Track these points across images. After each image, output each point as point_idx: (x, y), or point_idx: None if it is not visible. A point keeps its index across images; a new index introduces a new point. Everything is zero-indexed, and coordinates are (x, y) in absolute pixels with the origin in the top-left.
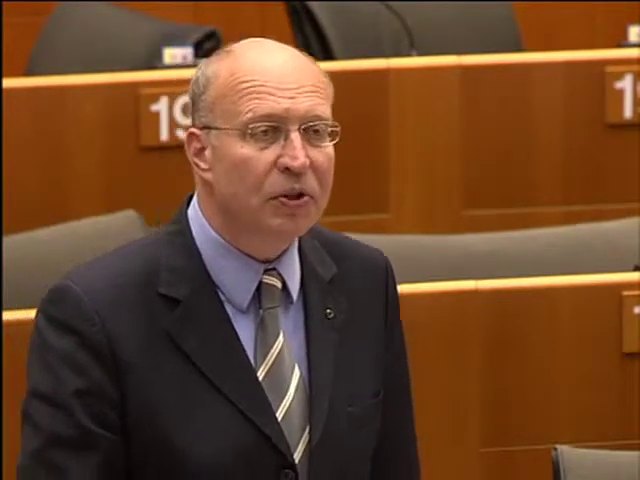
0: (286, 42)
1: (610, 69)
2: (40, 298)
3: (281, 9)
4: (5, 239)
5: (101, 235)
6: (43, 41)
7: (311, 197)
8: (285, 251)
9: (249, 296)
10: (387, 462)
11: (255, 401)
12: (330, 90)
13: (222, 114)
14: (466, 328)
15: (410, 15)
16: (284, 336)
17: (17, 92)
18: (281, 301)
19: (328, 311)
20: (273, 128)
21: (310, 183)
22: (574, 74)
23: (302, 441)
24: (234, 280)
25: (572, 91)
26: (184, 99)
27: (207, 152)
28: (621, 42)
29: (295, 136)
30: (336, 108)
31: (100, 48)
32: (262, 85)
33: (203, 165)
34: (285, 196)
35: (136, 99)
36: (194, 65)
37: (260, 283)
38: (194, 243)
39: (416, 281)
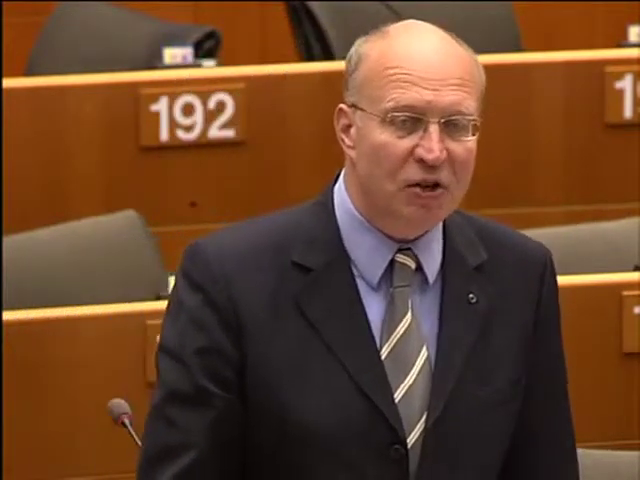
0: (286, 42)
1: (610, 69)
2: (40, 298)
3: (281, 9)
4: (5, 239)
5: (101, 235)
6: (43, 41)
7: (446, 189)
8: (425, 233)
9: (380, 272)
10: (535, 472)
11: (373, 376)
12: (480, 81)
13: (367, 97)
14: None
15: (410, 15)
16: (413, 315)
17: (17, 92)
18: (415, 282)
19: (471, 296)
20: (413, 119)
21: (446, 175)
22: (574, 74)
23: (421, 421)
24: (367, 256)
25: (572, 91)
26: (184, 99)
27: (353, 130)
28: (621, 42)
29: (434, 129)
30: (336, 108)
31: (100, 48)
32: (407, 74)
33: (348, 142)
34: (420, 186)
35: (136, 99)
36: (194, 65)
37: (393, 262)
38: (334, 216)
39: None
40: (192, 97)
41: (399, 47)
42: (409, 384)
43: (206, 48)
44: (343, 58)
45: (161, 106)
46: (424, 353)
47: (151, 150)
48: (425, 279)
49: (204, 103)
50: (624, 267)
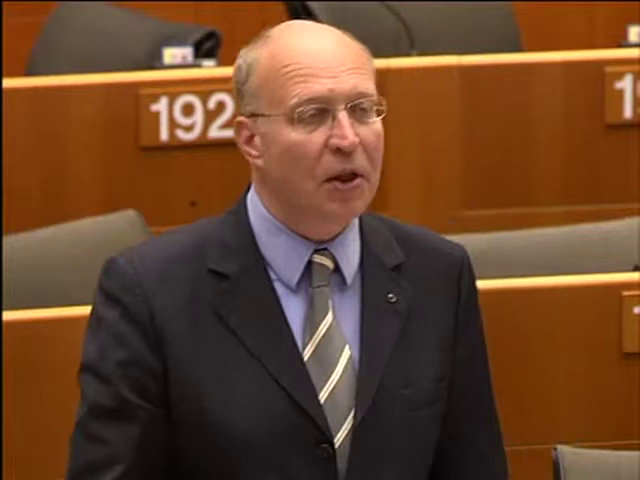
0: None
1: (610, 69)
2: (40, 298)
3: (281, 9)
4: (5, 239)
5: (101, 235)
6: (43, 41)
7: (363, 176)
8: (340, 233)
9: (298, 274)
10: (463, 468)
11: (296, 378)
12: (371, 66)
13: (267, 100)
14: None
15: (410, 15)
16: (335, 316)
17: (17, 92)
18: (333, 282)
19: (390, 296)
20: (320, 110)
21: (361, 162)
22: (574, 74)
23: (347, 420)
24: (284, 258)
25: (572, 91)
26: (184, 99)
27: (256, 139)
28: (621, 42)
29: (342, 115)
30: None
31: (100, 48)
32: (304, 67)
33: (254, 152)
34: (338, 179)
35: (136, 99)
36: (194, 65)
37: (310, 263)
38: (248, 221)
39: None
40: (192, 97)
41: (289, 44)
42: (333, 384)
43: (206, 48)
44: None
45: (161, 106)
46: (347, 352)
47: (151, 150)
48: (343, 280)
49: (204, 103)
50: (624, 267)
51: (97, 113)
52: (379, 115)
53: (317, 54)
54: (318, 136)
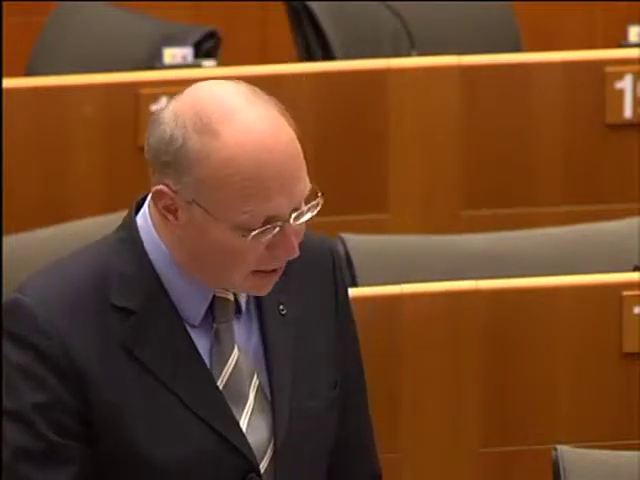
0: (286, 42)
1: (610, 69)
2: None
3: (281, 9)
4: (5, 239)
5: (101, 235)
6: (43, 41)
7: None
8: None
9: (202, 312)
10: (348, 471)
11: (215, 408)
12: (297, 144)
13: (213, 202)
14: (466, 328)
15: (410, 15)
16: (240, 347)
17: (17, 92)
18: (232, 313)
19: (281, 307)
20: (268, 224)
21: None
22: (574, 74)
23: (269, 446)
24: (186, 295)
25: (572, 91)
26: None
27: (182, 214)
28: (621, 42)
29: (289, 228)
30: (336, 108)
31: (100, 48)
32: (260, 187)
33: (174, 221)
34: (263, 270)
35: (136, 99)
36: (194, 65)
37: (213, 297)
38: (145, 253)
39: (416, 281)
40: None
41: (242, 153)
42: (249, 414)
43: (206, 48)
44: (343, 58)
45: (161, 106)
46: (255, 382)
47: None
48: (239, 307)
49: None
50: (624, 267)
51: (97, 113)
52: (314, 209)
53: (271, 170)
54: (262, 244)
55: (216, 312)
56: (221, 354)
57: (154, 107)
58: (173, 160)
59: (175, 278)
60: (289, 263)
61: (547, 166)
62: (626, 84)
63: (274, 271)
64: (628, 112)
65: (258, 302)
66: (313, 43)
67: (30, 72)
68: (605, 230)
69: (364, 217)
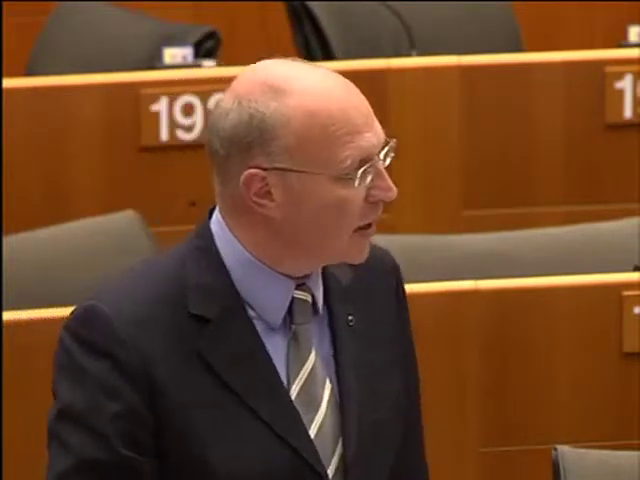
0: (286, 42)
1: (610, 69)
2: (40, 298)
3: (281, 9)
4: (5, 239)
5: (101, 235)
6: (43, 41)
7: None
8: None
9: (282, 313)
10: (399, 471)
11: (289, 421)
12: None
13: (309, 159)
14: (466, 328)
15: (410, 15)
16: (315, 351)
17: (17, 92)
18: (311, 315)
19: (350, 318)
20: (369, 165)
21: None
22: (574, 74)
23: (336, 455)
24: (265, 297)
25: (572, 91)
26: (184, 99)
27: (276, 191)
28: (621, 42)
29: (381, 165)
30: None
31: (100, 48)
32: (347, 126)
33: (269, 204)
34: (362, 227)
35: (136, 99)
36: (194, 65)
37: (292, 299)
38: (221, 261)
39: (416, 281)
40: (192, 97)
41: (321, 102)
42: (320, 420)
43: (206, 48)
44: (343, 58)
45: (161, 106)
46: (328, 386)
47: (151, 150)
48: (316, 310)
49: (204, 103)
50: (624, 267)
51: (97, 113)
52: (390, 157)
53: (352, 108)
54: (361, 190)
55: (294, 313)
56: (299, 356)
57: (154, 107)
58: (257, 136)
59: (254, 281)
60: (355, 275)
61: (547, 166)
62: (626, 84)
63: (370, 227)
64: (628, 112)
65: (328, 306)
66: (313, 43)
67: (30, 72)
68: (605, 230)
69: None
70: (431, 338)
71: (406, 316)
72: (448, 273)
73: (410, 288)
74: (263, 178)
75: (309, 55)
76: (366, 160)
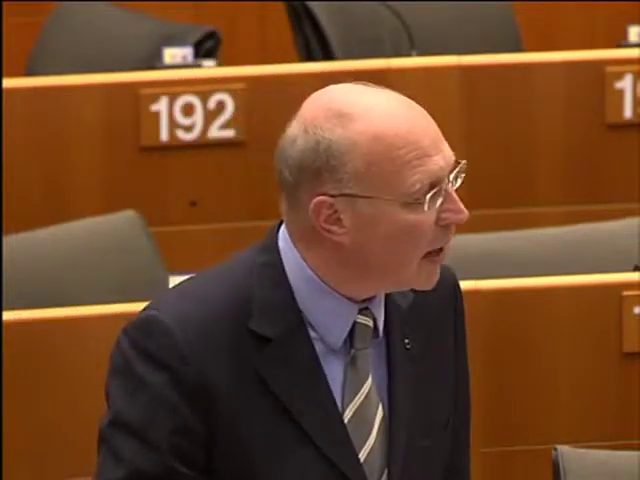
0: (286, 42)
1: (610, 69)
2: (40, 298)
3: (281, 9)
4: (5, 239)
5: (101, 235)
6: (43, 41)
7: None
8: None
9: (343, 336)
10: None
11: (341, 446)
12: None
13: (378, 184)
14: (466, 328)
15: (410, 15)
16: (372, 377)
17: (17, 92)
18: (371, 340)
19: (406, 341)
20: (438, 189)
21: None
22: (574, 74)
23: (382, 479)
24: (328, 319)
25: (572, 91)
26: (184, 99)
27: (345, 217)
28: (621, 42)
29: (450, 188)
30: None
31: (100, 48)
32: (416, 149)
33: (338, 230)
34: (432, 252)
35: (136, 99)
36: (194, 65)
37: (354, 323)
38: (287, 278)
39: None
40: (192, 97)
41: (388, 125)
42: (370, 446)
43: (206, 48)
44: (343, 58)
45: (161, 106)
46: (380, 413)
47: (151, 150)
48: (377, 334)
49: (204, 103)
50: (624, 267)
51: (97, 113)
52: (460, 179)
53: (419, 128)
54: (432, 215)
55: (355, 338)
56: (355, 381)
57: (154, 107)
58: (324, 163)
59: (317, 302)
60: (416, 298)
61: (547, 166)
62: (626, 84)
63: (441, 251)
64: (628, 112)
65: (386, 331)
66: (313, 43)
67: (30, 72)
68: (605, 230)
69: None
70: None
71: (462, 334)
72: None
73: None
74: (332, 205)
75: (309, 55)
76: (435, 184)
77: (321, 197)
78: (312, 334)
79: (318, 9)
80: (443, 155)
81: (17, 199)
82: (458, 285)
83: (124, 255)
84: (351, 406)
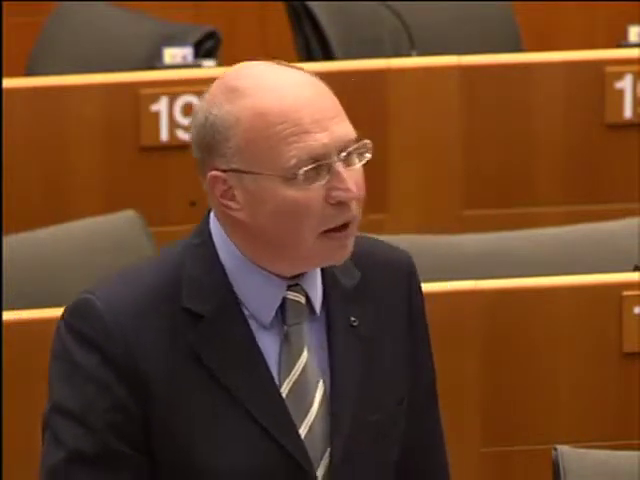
0: (286, 42)
1: (610, 69)
2: (40, 298)
3: (281, 9)
4: (5, 239)
5: (101, 235)
6: (43, 41)
7: (354, 219)
8: None
9: (272, 313)
10: (418, 473)
11: (278, 418)
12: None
13: (258, 159)
14: (466, 328)
15: (410, 15)
16: (308, 351)
17: (17, 92)
18: (305, 316)
19: (352, 319)
20: (317, 166)
21: (354, 207)
22: (574, 74)
23: (326, 455)
24: (258, 296)
25: (572, 91)
26: (184, 99)
27: (238, 193)
28: (621, 42)
29: (339, 166)
30: None
31: (100, 48)
32: (294, 126)
33: (234, 205)
34: (334, 229)
35: (136, 99)
36: (194, 65)
37: (284, 299)
38: (217, 257)
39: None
40: (192, 97)
41: (271, 101)
42: (311, 420)
43: (206, 48)
44: (343, 58)
45: (161, 106)
46: (321, 387)
47: (151, 150)
48: (312, 310)
49: None
50: (624, 267)
51: (97, 113)
52: (363, 156)
53: (304, 105)
54: (317, 191)
55: (287, 314)
56: (290, 357)
57: (154, 107)
58: (212, 138)
59: (247, 280)
60: (365, 278)
61: (547, 166)
62: (626, 84)
63: (345, 228)
64: (628, 112)
65: (327, 308)
66: (313, 43)
67: (30, 72)
68: (605, 230)
69: (364, 217)
70: (431, 338)
71: (419, 315)
72: (448, 273)
73: None
74: (225, 180)
75: (309, 55)
76: (316, 160)
77: (214, 172)
78: (245, 312)
79: (318, 9)
80: (329, 133)
81: (17, 199)
82: (413, 269)
83: (124, 255)
84: (287, 381)
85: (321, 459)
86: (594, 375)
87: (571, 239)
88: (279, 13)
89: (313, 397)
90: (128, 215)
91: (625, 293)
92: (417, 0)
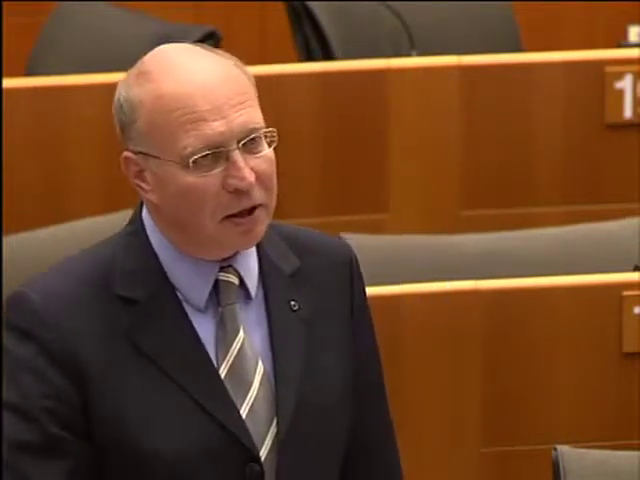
0: (286, 42)
1: (610, 69)
2: None
3: (281, 9)
4: (5, 239)
5: (101, 235)
6: (43, 41)
7: (261, 206)
8: None
9: (206, 295)
10: (364, 463)
11: (217, 398)
12: (254, 88)
13: (157, 144)
14: (466, 328)
15: (410, 15)
16: (245, 332)
17: (17, 92)
18: (240, 297)
19: (292, 303)
20: (213, 153)
21: (258, 194)
22: (574, 74)
23: (269, 435)
24: (189, 279)
25: (572, 91)
26: None
27: (147, 174)
28: (621, 42)
29: (236, 155)
30: (336, 108)
31: (100, 48)
32: (192, 112)
33: (146, 186)
34: (236, 215)
35: None
36: None
37: (217, 281)
38: (149, 244)
39: (415, 281)
40: None
41: (172, 87)
42: (252, 400)
43: None
44: (343, 58)
45: None
46: (260, 368)
47: None
48: (247, 294)
49: None
50: (624, 267)
51: (97, 113)
52: (271, 143)
53: (203, 93)
54: (214, 178)
55: (220, 295)
56: (226, 337)
57: None
58: (120, 119)
59: (178, 264)
60: (305, 265)
61: (547, 166)
62: (626, 84)
63: (249, 214)
64: (628, 112)
65: (265, 292)
66: (313, 43)
67: (30, 72)
68: (605, 230)
69: (364, 217)
70: (431, 338)
71: (361, 311)
72: (448, 273)
73: (409, 289)
74: (136, 162)
75: (309, 55)
76: (211, 147)
77: (126, 152)
78: (179, 296)
79: (318, 9)
80: (227, 121)
81: (17, 199)
82: (353, 262)
83: None
84: (225, 362)
85: (265, 440)
86: (594, 375)
87: (571, 239)
88: (279, 13)
89: (253, 377)
90: (128, 215)
91: (625, 293)
92: (417, 0)
